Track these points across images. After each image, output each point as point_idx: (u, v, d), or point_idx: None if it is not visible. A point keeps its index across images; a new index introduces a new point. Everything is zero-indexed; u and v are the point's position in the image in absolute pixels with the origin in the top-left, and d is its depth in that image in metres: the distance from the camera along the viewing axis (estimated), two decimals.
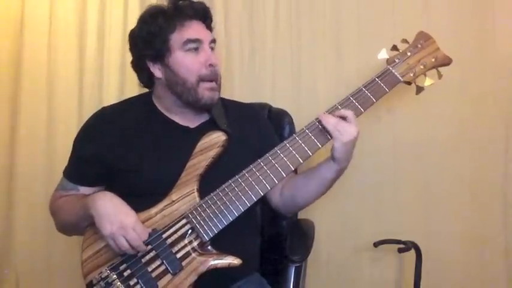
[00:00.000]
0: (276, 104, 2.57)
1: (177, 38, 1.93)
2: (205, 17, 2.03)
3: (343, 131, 1.80)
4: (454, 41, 2.56)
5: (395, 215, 2.70)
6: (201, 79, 1.94)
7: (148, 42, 1.94)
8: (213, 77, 1.96)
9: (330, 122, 1.82)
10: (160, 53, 1.94)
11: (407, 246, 2.50)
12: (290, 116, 2.51)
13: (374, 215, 2.72)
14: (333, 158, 1.85)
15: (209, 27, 2.04)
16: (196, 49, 1.94)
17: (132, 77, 2.71)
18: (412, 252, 2.52)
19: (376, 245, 2.56)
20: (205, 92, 1.95)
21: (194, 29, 1.96)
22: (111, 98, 2.75)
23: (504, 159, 2.62)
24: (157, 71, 1.97)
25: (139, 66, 2.02)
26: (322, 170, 1.93)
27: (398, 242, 2.54)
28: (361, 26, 2.70)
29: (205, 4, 2.04)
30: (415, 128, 2.67)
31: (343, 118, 1.83)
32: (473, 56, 2.58)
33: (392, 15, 2.65)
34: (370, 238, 2.61)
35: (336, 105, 1.89)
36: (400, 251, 2.50)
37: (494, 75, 2.59)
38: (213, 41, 2.01)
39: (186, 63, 1.93)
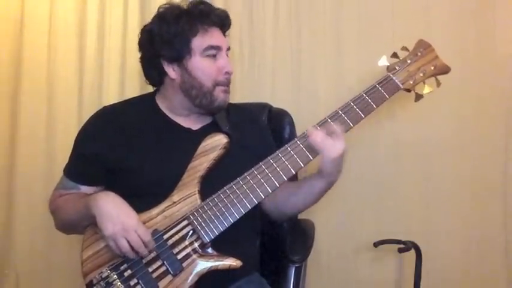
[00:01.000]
0: (276, 104, 2.58)
1: (198, 42, 1.93)
2: (225, 24, 2.03)
3: (330, 147, 1.79)
4: (454, 41, 2.57)
5: (395, 215, 2.70)
6: (217, 84, 1.95)
7: (168, 42, 1.92)
8: (228, 84, 1.99)
9: (317, 139, 1.80)
10: (180, 55, 1.93)
11: (407, 246, 2.50)
12: (290, 116, 2.51)
13: (374, 215, 2.72)
14: (320, 172, 1.86)
15: (225, 35, 2.04)
16: (214, 55, 1.95)
17: (132, 76, 2.73)
18: (412, 252, 2.52)
19: (376, 245, 2.56)
20: (220, 94, 1.96)
21: (215, 36, 1.96)
22: (111, 98, 2.74)
23: (504, 158, 2.62)
24: (171, 71, 1.96)
25: (151, 64, 2.00)
26: (311, 182, 1.93)
27: (398, 242, 2.54)
28: (361, 25, 2.70)
29: (227, 12, 2.04)
30: (415, 128, 2.67)
31: (330, 134, 1.81)
32: (473, 56, 2.58)
33: (392, 15, 2.65)
34: (370, 238, 2.61)
35: (337, 110, 1.89)
36: (400, 251, 2.50)
37: (494, 75, 2.59)
38: (229, 48, 2.02)
39: (205, 68, 1.94)
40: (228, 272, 1.82)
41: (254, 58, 2.79)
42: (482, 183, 2.64)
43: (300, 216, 2.55)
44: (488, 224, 2.65)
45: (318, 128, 1.85)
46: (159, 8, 2.00)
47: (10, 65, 2.85)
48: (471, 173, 2.65)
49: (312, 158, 1.86)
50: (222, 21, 2.00)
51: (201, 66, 1.93)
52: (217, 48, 1.95)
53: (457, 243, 2.68)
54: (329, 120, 1.87)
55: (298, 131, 2.44)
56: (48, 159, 2.82)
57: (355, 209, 2.74)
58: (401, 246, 2.51)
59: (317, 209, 2.57)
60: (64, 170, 2.07)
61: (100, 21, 2.83)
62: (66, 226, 2.04)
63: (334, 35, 2.72)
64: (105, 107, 2.11)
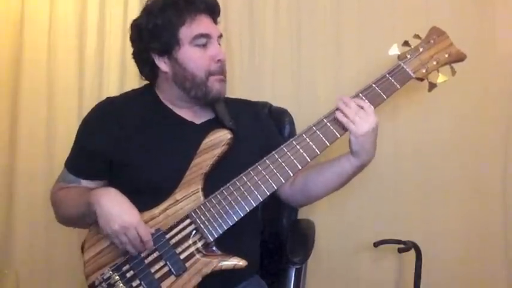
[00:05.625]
0: (276, 103, 2.58)
1: (186, 32, 1.89)
2: (214, 11, 1.99)
3: (360, 120, 1.78)
4: (454, 41, 2.56)
5: (396, 215, 2.70)
6: (210, 74, 1.92)
7: (155, 35, 1.89)
8: (222, 72, 1.95)
9: (345, 112, 1.80)
10: (168, 47, 1.90)
11: (407, 246, 2.50)
12: (290, 115, 2.52)
13: (374, 215, 2.72)
14: (351, 152, 1.84)
15: (216, 22, 2.01)
16: (205, 44, 1.91)
17: (132, 76, 2.74)
18: (412, 252, 2.52)
19: (376, 245, 2.56)
20: (215, 84, 1.93)
21: (204, 24, 1.93)
22: None
23: (504, 159, 2.62)
24: (163, 64, 1.93)
25: (143, 59, 1.98)
26: (341, 162, 1.90)
27: (398, 242, 2.54)
28: (361, 24, 2.69)
29: None
30: (415, 128, 2.67)
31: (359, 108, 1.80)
32: (473, 55, 2.56)
33: (392, 14, 2.65)
34: (370, 238, 2.61)
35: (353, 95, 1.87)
36: (400, 251, 2.50)
37: (494, 75, 2.59)
38: (221, 36, 1.99)
39: (195, 58, 1.90)
40: (229, 273, 1.80)
41: (254, 58, 2.78)
42: (482, 183, 2.64)
43: (300, 216, 2.55)
44: (488, 224, 2.64)
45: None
46: (146, 2, 1.97)
47: (10, 65, 2.84)
48: (471, 173, 2.65)
49: (328, 144, 1.84)
50: (211, 8, 1.97)
51: (191, 56, 1.90)
52: (207, 36, 1.92)
53: (457, 243, 2.67)
54: (360, 95, 1.85)
55: (298, 130, 2.44)
56: (48, 159, 2.81)
57: (355, 209, 2.74)
58: (401, 246, 2.51)
59: (317, 209, 2.59)
60: (65, 163, 2.04)
61: (100, 21, 2.82)
62: (66, 220, 2.02)
63: (334, 34, 2.71)
64: (107, 99, 2.08)
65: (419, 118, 2.65)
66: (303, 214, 2.56)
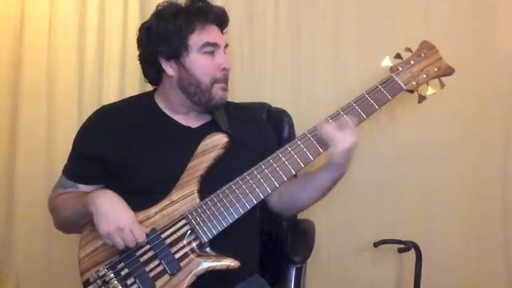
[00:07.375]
0: (276, 104, 2.58)
1: (196, 39, 1.94)
2: (222, 22, 2.04)
3: (341, 139, 1.79)
4: (454, 42, 2.56)
5: (395, 215, 2.69)
6: (215, 81, 1.96)
7: (165, 39, 1.93)
8: (225, 81, 2.00)
9: (327, 130, 1.80)
10: (177, 52, 1.94)
11: (407, 246, 2.50)
12: (290, 116, 2.51)
13: (374, 215, 2.71)
14: (330, 165, 1.85)
15: (223, 32, 2.05)
16: (212, 52, 1.96)
17: (132, 76, 2.74)
18: (412, 252, 2.51)
19: (376, 245, 2.55)
20: (218, 91, 1.97)
21: (213, 33, 1.98)
22: (111, 97, 2.72)
23: (504, 159, 2.62)
24: (169, 69, 1.97)
25: (150, 62, 2.01)
26: (320, 176, 1.92)
27: (398, 242, 2.54)
28: (361, 26, 2.69)
29: (225, 10, 2.05)
30: (415, 128, 2.66)
31: (342, 125, 1.81)
32: (473, 56, 2.57)
33: (392, 15, 2.64)
34: (370, 238, 2.61)
35: (338, 110, 1.90)
36: (400, 251, 2.51)
37: (494, 75, 2.59)
38: (227, 46, 2.03)
39: (203, 65, 1.95)
40: (229, 273, 1.81)
41: (254, 58, 2.78)
42: (482, 184, 2.63)
43: (300, 216, 2.55)
44: (488, 224, 2.64)
45: (330, 120, 1.87)
46: (157, 6, 2.01)
47: (10, 65, 2.84)
48: (471, 173, 2.64)
49: (322, 151, 1.87)
50: (220, 19, 2.02)
51: (198, 63, 1.94)
52: (215, 45, 1.96)
53: (457, 243, 2.67)
54: (341, 112, 1.89)
55: (298, 131, 2.44)
56: (48, 159, 2.82)
57: (356, 209, 2.73)
58: (401, 246, 2.52)
59: (317, 209, 2.58)
60: (63, 170, 2.07)
61: (100, 21, 2.83)
62: (65, 225, 2.05)
63: (334, 35, 2.71)
64: (103, 106, 2.12)
65: (419, 119, 2.64)
66: (303, 214, 2.56)
